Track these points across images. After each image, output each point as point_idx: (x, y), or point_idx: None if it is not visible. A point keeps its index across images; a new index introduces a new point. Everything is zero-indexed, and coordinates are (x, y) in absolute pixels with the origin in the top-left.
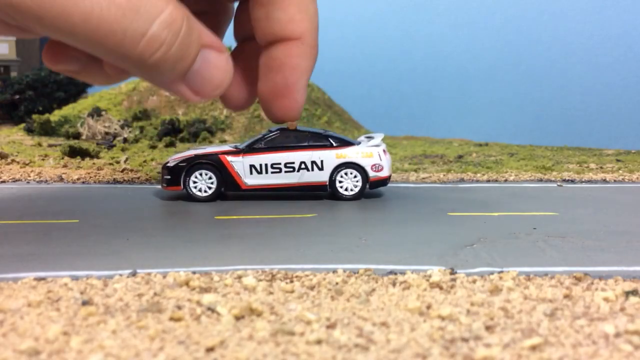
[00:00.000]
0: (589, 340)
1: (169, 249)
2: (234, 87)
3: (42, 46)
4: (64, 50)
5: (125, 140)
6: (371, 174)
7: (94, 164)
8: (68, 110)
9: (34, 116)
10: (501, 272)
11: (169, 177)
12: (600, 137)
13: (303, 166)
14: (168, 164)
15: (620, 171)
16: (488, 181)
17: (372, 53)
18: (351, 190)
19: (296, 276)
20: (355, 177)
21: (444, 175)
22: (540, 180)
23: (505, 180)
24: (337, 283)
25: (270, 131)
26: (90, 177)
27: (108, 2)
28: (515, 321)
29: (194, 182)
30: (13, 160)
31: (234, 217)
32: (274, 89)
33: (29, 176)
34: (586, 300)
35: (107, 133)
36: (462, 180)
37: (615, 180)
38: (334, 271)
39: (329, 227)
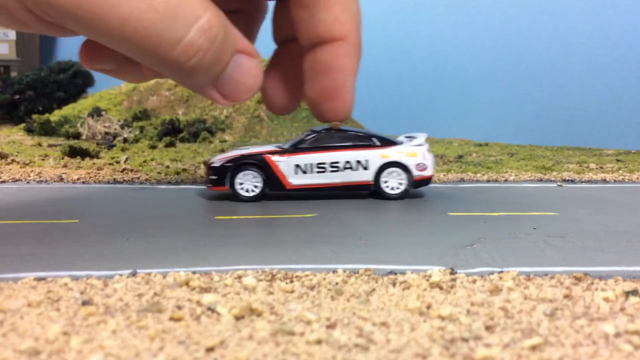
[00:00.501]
0: (589, 340)
1: (169, 249)
2: (278, 91)
3: (42, 46)
4: (100, 50)
5: (125, 140)
6: (415, 173)
7: (94, 164)
8: (68, 110)
9: (34, 116)
10: (501, 272)
11: (215, 177)
12: (600, 137)
13: (348, 166)
14: (214, 164)
15: (620, 171)
16: (488, 181)
17: (372, 53)
18: (396, 189)
19: (296, 276)
20: (399, 176)
21: (444, 175)
22: (540, 180)
23: (505, 180)
24: (337, 283)
25: (314, 131)
26: (90, 177)
27: (147, 6)
28: (515, 321)
29: (240, 182)
30: (13, 160)
31: (234, 217)
32: (323, 92)
33: (29, 176)
34: (586, 300)
35: (107, 133)
36: (462, 180)
37: (615, 180)
38: (334, 271)
39: (329, 227)
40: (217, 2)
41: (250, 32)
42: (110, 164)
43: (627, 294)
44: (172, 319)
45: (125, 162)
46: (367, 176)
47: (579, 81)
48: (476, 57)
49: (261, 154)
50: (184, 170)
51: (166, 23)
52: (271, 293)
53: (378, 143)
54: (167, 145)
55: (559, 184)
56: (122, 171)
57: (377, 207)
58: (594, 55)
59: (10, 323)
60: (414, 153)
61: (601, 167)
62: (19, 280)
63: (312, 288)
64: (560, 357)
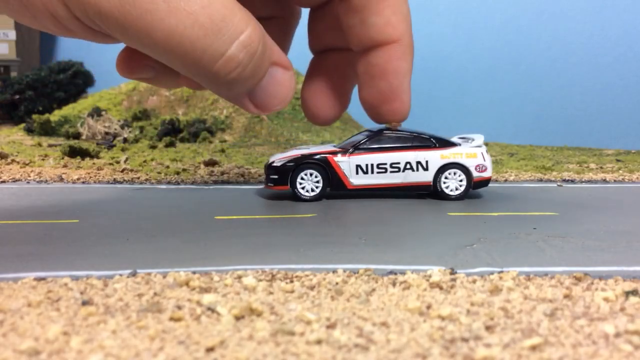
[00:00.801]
0: (589, 340)
1: (169, 249)
2: (320, 102)
3: (42, 46)
4: (139, 61)
5: (125, 140)
6: (475, 174)
7: (94, 164)
8: (68, 110)
9: (34, 116)
10: (501, 272)
11: (275, 176)
12: (600, 137)
13: (408, 166)
14: (274, 164)
15: (620, 171)
16: None
17: None
18: (456, 190)
19: (296, 276)
20: (459, 177)
21: None
22: (540, 180)
23: (505, 180)
24: (337, 283)
25: (372, 132)
26: (90, 177)
27: (192, 21)
28: (515, 321)
29: (301, 182)
30: (13, 160)
31: (234, 217)
32: (380, 95)
33: (29, 176)
34: (586, 300)
35: (107, 133)
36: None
37: (615, 180)
38: (334, 271)
39: (329, 227)
40: (253, 10)
41: (284, 38)
42: (110, 164)
43: (627, 294)
44: (172, 319)
45: (125, 162)
46: (427, 177)
47: (579, 81)
48: (476, 57)
49: (323, 153)
50: (184, 170)
51: (210, 38)
52: (271, 293)
53: (437, 144)
54: (167, 145)
55: (559, 184)
56: (122, 171)
57: (377, 207)
58: (594, 55)
59: (10, 323)
60: (474, 154)
61: (601, 167)
62: (19, 280)
63: (312, 288)
64: (560, 357)
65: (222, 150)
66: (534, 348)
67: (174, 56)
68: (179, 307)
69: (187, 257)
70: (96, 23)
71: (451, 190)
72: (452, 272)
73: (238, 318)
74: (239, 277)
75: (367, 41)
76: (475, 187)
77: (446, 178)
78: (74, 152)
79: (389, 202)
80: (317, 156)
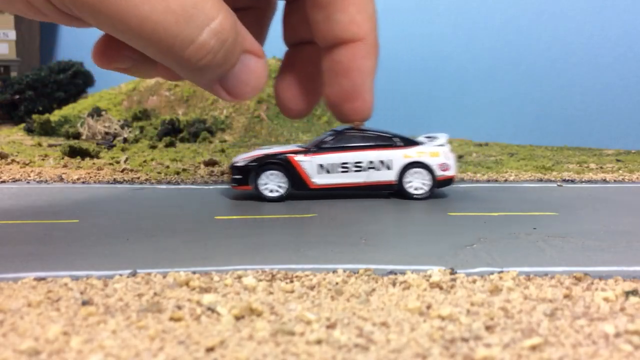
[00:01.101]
0: (589, 340)
1: (169, 249)
2: (291, 95)
3: (42, 46)
4: (116, 51)
5: (125, 140)
6: (438, 173)
7: (94, 164)
8: (68, 110)
9: (34, 116)
10: (501, 272)
11: (239, 176)
12: (600, 137)
13: (371, 166)
14: (237, 164)
15: (620, 171)
16: (488, 181)
17: None
18: (420, 189)
19: (296, 276)
20: (423, 176)
21: None
22: (540, 180)
23: (505, 180)
24: (337, 283)
25: (336, 131)
26: (90, 177)
27: (164, 8)
28: (515, 321)
29: (264, 182)
30: (13, 160)
31: (234, 217)
32: (342, 93)
33: (29, 176)
34: (586, 300)
35: (107, 133)
36: (462, 180)
37: (615, 180)
38: (334, 271)
39: (329, 227)
40: (229, 0)
41: (260, 29)
42: (110, 164)
43: (627, 294)
44: (172, 319)
45: (125, 162)
46: (390, 176)
47: (579, 81)
48: (476, 57)
49: (285, 153)
50: (184, 170)
51: (181, 25)
52: (271, 293)
53: (401, 143)
54: (167, 145)
55: (559, 184)
56: (122, 171)
57: (377, 207)
58: (594, 55)
59: (10, 323)
60: (437, 153)
61: (601, 167)
62: (19, 280)
63: (312, 288)
64: (560, 357)
65: (222, 150)
66: (534, 348)
67: (147, 42)
68: (179, 307)
69: (187, 257)
70: (69, 7)
71: (415, 189)
72: (452, 272)
73: (238, 318)
74: (239, 277)
75: (331, 38)
76: (439, 186)
77: (410, 177)
78: (74, 152)
79: (389, 202)
80: (280, 156)
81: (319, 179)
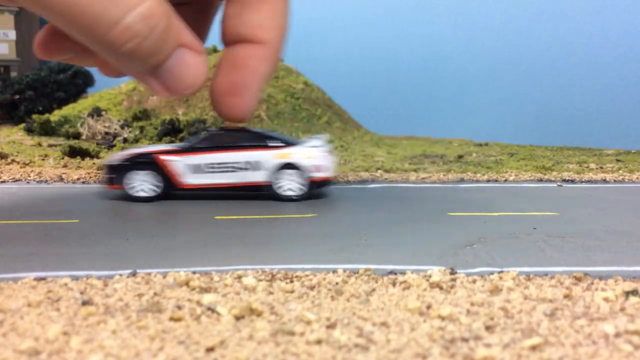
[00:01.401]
0: (589, 340)
1: (169, 249)
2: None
3: None
4: (57, 43)
5: (125, 140)
6: (312, 174)
7: (94, 164)
8: (68, 110)
9: (34, 116)
10: (501, 272)
11: (112, 175)
12: (600, 137)
13: (243, 166)
14: (109, 163)
15: (620, 171)
16: (488, 181)
17: (372, 53)
18: (293, 190)
19: (296, 276)
20: (295, 177)
21: (444, 175)
22: (540, 180)
23: (505, 180)
24: (337, 283)
25: (210, 131)
26: (90, 177)
27: None
28: (515, 321)
29: (133, 182)
30: (13, 160)
31: (234, 217)
32: (227, 86)
33: (29, 176)
34: (586, 300)
35: (107, 133)
36: (462, 180)
37: (615, 180)
38: (334, 271)
39: (329, 227)
40: None
41: (201, 24)
42: None
43: (627, 294)
44: (172, 319)
45: None
46: (262, 177)
47: (579, 81)
48: (476, 57)
49: (156, 152)
50: None
51: (105, 5)
52: (271, 293)
53: (274, 144)
54: None
55: (559, 184)
56: None
57: (377, 208)
58: (594, 55)
59: (10, 323)
60: (310, 155)
61: (601, 167)
62: (19, 280)
63: (312, 288)
64: (560, 357)
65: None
66: (534, 348)
67: (69, 22)
68: (179, 307)
69: (187, 257)
70: None
71: (287, 191)
72: (452, 272)
73: (238, 318)
74: (239, 277)
75: (235, 36)
76: (315, 187)
77: (282, 178)
78: (74, 152)
79: (389, 202)
80: (149, 155)
81: (191, 179)
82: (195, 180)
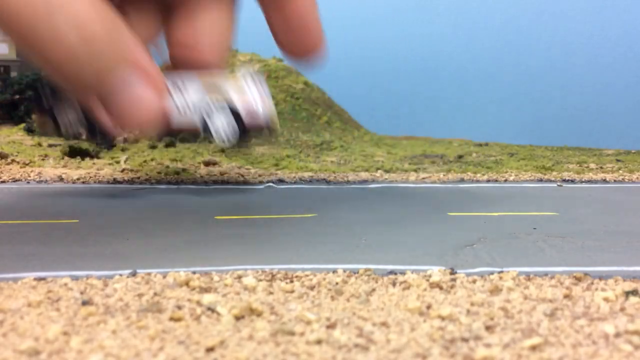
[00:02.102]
0: (589, 340)
1: (169, 249)
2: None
3: None
4: None
5: (125, 140)
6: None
7: (94, 164)
8: None
9: (34, 116)
10: (501, 272)
11: None
12: (600, 137)
13: None
14: None
15: (620, 171)
16: (488, 181)
17: (372, 53)
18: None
19: (296, 276)
20: None
21: (444, 175)
22: (540, 180)
23: (505, 180)
24: (337, 283)
25: None
26: (90, 177)
27: (26, 1)
28: (515, 321)
29: None
30: (13, 160)
31: (234, 217)
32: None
33: (29, 176)
34: (586, 300)
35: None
36: (462, 180)
37: (615, 180)
38: (334, 271)
39: (329, 227)
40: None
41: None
42: (110, 164)
43: (627, 294)
44: (172, 319)
45: (125, 162)
46: None
47: (579, 81)
48: (476, 57)
49: None
50: (184, 170)
51: (40, 16)
52: (271, 293)
53: None
54: (167, 145)
55: (559, 184)
56: (122, 171)
57: (377, 207)
58: (594, 55)
59: (10, 323)
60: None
61: (601, 167)
62: (19, 280)
63: (312, 288)
64: (560, 357)
65: (222, 150)
66: (534, 348)
67: (18, 38)
68: (179, 307)
69: (187, 257)
70: None
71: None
72: (452, 272)
73: (238, 318)
74: (239, 277)
75: None
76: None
77: None
78: (74, 152)
79: (389, 202)
80: None
81: None
82: None
